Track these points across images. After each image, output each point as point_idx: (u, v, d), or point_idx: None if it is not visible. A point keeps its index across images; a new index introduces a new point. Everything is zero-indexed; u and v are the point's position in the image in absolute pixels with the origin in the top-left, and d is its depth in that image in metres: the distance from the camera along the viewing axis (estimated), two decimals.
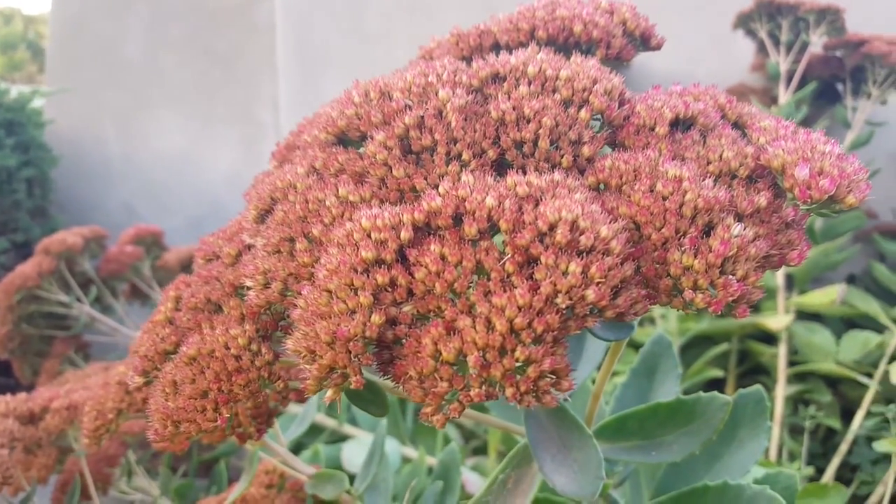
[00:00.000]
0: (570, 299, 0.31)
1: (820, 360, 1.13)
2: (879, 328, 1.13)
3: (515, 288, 0.31)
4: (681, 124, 0.39)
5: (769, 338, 1.20)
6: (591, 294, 0.31)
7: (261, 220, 0.41)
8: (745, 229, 0.34)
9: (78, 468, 0.83)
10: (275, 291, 0.37)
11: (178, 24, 1.61)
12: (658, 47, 0.46)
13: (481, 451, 1.19)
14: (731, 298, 0.33)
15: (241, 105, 1.63)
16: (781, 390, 1.13)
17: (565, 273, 0.31)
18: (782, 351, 1.16)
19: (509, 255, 0.32)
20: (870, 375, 1.09)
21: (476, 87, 0.40)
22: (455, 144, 0.37)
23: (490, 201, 0.33)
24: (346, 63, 1.53)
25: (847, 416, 1.12)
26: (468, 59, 0.46)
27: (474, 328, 0.31)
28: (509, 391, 0.31)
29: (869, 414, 1.07)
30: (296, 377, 0.45)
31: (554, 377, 0.31)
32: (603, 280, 0.31)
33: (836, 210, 0.35)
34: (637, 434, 0.57)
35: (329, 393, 0.33)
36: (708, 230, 0.34)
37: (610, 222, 0.33)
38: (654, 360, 0.66)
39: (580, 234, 0.32)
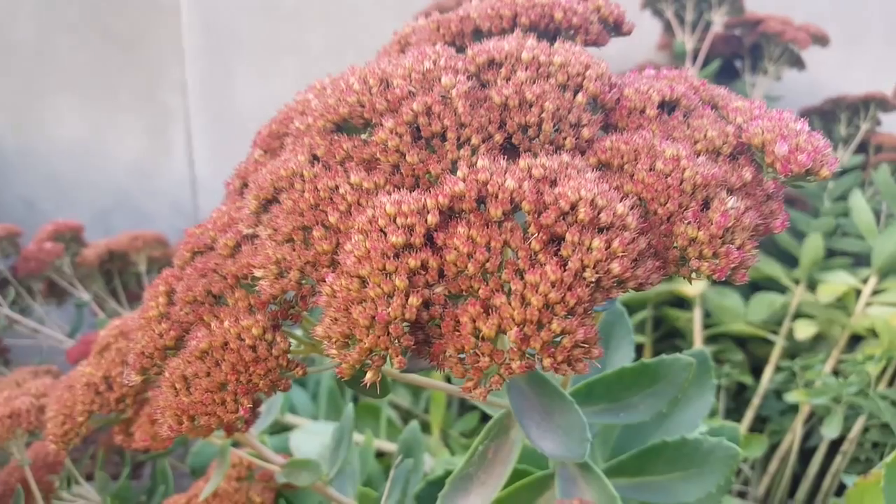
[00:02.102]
0: (598, 273, 0.33)
1: (731, 321, 1.21)
2: (782, 289, 1.23)
3: (545, 265, 0.33)
4: (666, 106, 0.42)
5: (683, 303, 1.28)
6: (616, 267, 0.33)
7: (263, 209, 0.41)
8: (737, 202, 0.37)
9: (16, 478, 0.78)
10: (291, 280, 0.38)
11: (73, 4, 1.51)
12: (629, 33, 0.49)
13: (422, 430, 1.20)
14: (732, 265, 0.36)
15: (146, 90, 1.55)
16: None
17: (590, 249, 0.33)
18: (697, 315, 1.24)
19: (535, 235, 0.34)
20: (776, 333, 1.18)
21: (473, 72, 0.41)
22: (463, 129, 0.38)
23: (511, 183, 0.35)
24: (257, 44, 1.48)
25: (756, 372, 1.22)
26: (451, 46, 0.47)
27: (510, 305, 0.33)
28: (547, 361, 0.32)
29: (777, 369, 1.17)
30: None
31: (586, 346, 0.33)
32: (625, 253, 0.34)
33: (811, 182, 0.39)
34: (605, 398, 0.61)
35: (369, 375, 0.34)
36: (706, 204, 0.37)
37: (622, 199, 0.36)
38: (608, 327, 0.70)
39: (600, 212, 0.34)
